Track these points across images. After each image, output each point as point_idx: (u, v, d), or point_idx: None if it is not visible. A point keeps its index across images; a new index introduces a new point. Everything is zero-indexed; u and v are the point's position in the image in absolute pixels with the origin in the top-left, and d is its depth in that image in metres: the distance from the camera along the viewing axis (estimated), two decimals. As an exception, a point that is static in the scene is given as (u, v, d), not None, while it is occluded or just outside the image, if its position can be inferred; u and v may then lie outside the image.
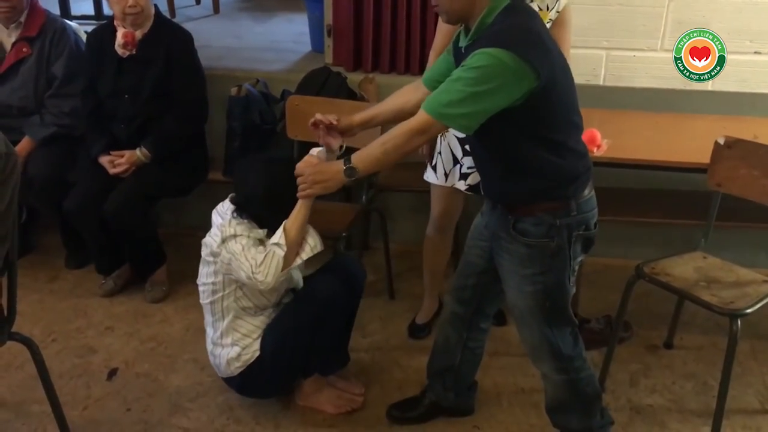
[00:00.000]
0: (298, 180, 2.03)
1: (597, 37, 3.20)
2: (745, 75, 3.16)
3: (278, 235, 2.16)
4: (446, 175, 2.61)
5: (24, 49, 3.04)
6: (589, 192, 1.95)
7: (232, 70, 3.54)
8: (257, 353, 2.30)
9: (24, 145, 3.05)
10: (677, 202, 3.07)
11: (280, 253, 2.14)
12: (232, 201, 2.27)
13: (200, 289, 2.35)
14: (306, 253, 2.20)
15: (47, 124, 3.08)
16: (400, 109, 2.13)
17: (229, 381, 2.40)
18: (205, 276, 2.31)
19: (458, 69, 1.79)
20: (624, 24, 3.16)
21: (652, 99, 3.14)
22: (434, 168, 2.64)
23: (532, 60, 1.72)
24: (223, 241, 2.18)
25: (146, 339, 2.84)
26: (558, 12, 2.42)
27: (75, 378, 2.61)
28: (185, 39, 3.03)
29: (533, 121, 1.81)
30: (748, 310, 2.27)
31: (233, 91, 3.23)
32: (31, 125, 3.08)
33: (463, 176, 2.58)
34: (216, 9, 4.95)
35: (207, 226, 2.30)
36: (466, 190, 2.60)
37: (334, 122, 2.14)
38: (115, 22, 2.93)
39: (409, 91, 2.15)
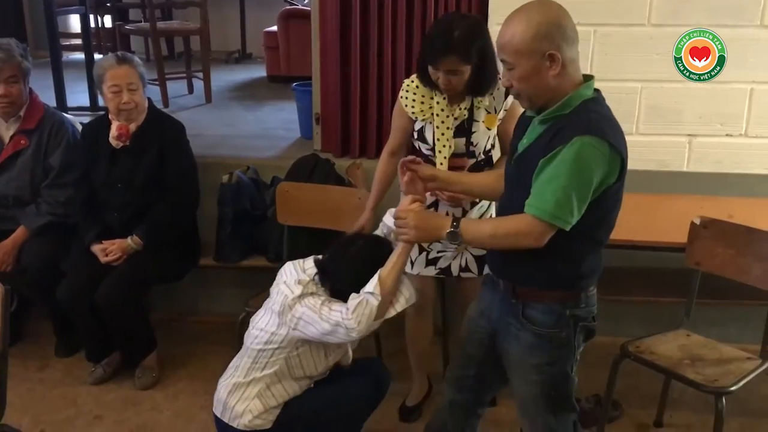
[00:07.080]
0: (398, 223, 1.97)
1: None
2: (719, 156, 3.27)
3: (373, 284, 2.05)
4: (412, 264, 2.63)
5: (22, 141, 3.13)
6: (594, 287, 1.95)
7: (224, 157, 3.65)
8: (270, 425, 2.23)
9: (19, 235, 3.11)
10: (660, 280, 3.11)
11: (374, 302, 2.03)
12: (317, 265, 2.22)
13: (253, 332, 2.25)
14: (400, 305, 2.11)
15: (43, 213, 3.13)
16: (492, 189, 2.13)
17: (223, 427, 2.28)
18: (267, 323, 2.21)
19: (552, 164, 1.74)
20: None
21: (630, 181, 3.23)
22: None
23: (623, 156, 1.75)
24: (302, 296, 2.12)
25: (135, 428, 2.82)
26: (506, 110, 2.49)
27: (62, 469, 2.58)
28: (177, 130, 3.13)
29: (591, 217, 1.79)
30: (733, 388, 2.31)
31: (225, 178, 3.31)
32: (27, 215, 3.14)
33: (432, 262, 2.63)
34: (208, 98, 5.11)
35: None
36: (436, 274, 2.65)
37: (417, 161, 2.11)
38: (110, 116, 3.03)
39: (498, 177, 2.09)
